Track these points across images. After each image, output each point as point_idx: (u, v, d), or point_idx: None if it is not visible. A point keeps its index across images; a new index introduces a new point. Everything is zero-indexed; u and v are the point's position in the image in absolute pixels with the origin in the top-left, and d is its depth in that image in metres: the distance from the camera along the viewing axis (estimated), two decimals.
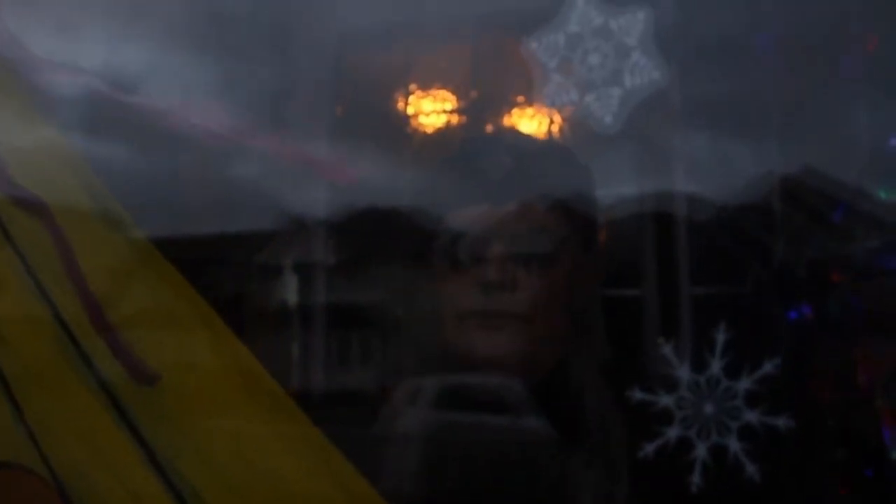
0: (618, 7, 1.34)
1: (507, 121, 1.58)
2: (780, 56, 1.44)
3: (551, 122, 1.43)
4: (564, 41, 1.34)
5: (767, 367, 1.19)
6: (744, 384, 1.20)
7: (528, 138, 1.60)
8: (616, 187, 1.51)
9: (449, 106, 1.64)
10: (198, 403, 1.44)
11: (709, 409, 1.21)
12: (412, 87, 1.67)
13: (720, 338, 1.20)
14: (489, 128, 1.65)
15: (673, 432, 1.21)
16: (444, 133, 1.67)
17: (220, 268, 1.65)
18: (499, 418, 1.46)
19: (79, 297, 1.47)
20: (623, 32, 1.31)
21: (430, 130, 1.68)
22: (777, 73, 1.44)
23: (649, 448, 1.23)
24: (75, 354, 1.48)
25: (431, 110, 1.66)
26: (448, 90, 1.66)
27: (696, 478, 1.21)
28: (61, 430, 1.50)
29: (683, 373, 1.21)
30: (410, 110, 1.67)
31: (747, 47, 1.44)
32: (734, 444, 1.21)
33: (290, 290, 1.68)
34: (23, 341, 1.56)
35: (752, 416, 1.19)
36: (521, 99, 1.51)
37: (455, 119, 1.66)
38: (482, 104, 1.64)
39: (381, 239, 1.63)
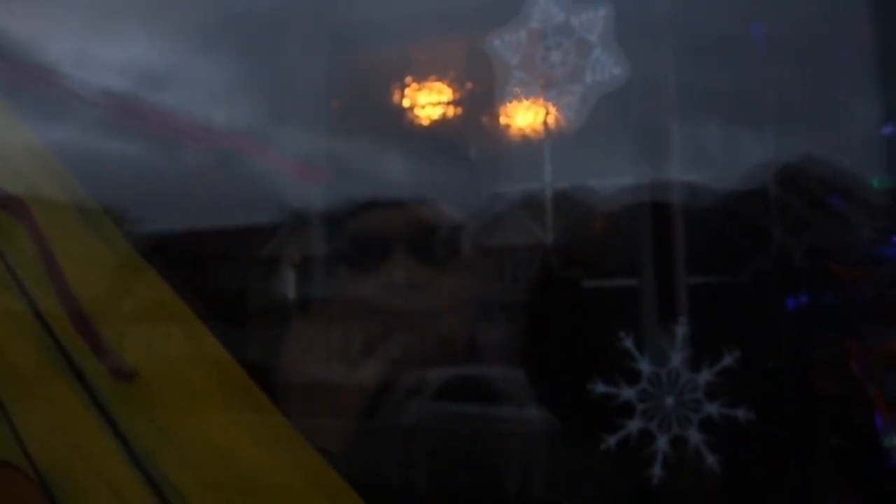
0: (580, 4, 1.29)
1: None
2: (776, 45, 1.38)
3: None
4: (526, 38, 1.30)
5: (727, 360, 1.13)
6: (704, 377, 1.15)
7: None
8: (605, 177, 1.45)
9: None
10: (174, 398, 1.40)
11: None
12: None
13: (680, 330, 1.14)
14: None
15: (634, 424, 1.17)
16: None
17: (196, 264, 1.59)
18: (463, 408, 1.42)
19: (58, 295, 1.43)
20: (584, 29, 1.27)
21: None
22: (773, 62, 1.38)
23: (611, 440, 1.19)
24: (56, 352, 1.44)
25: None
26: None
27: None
28: (43, 428, 1.47)
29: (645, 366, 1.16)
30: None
31: (742, 36, 1.38)
32: (695, 436, 1.16)
33: (263, 286, 1.61)
34: (4, 340, 1.52)
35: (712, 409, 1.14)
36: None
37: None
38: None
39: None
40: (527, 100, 1.28)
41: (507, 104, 1.32)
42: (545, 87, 1.27)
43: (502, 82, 1.31)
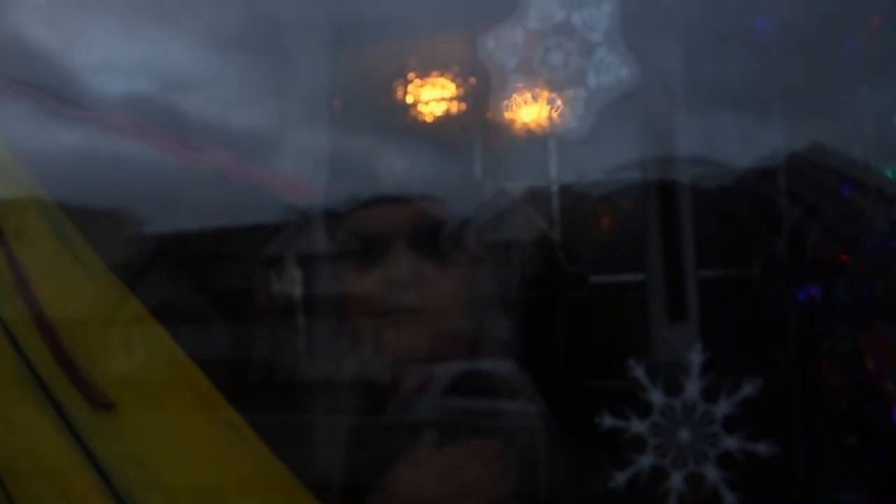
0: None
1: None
2: (785, 34, 1.22)
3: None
4: (523, 39, 1.07)
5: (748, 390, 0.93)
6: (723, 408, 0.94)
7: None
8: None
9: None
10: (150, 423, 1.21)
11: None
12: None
13: (696, 358, 0.94)
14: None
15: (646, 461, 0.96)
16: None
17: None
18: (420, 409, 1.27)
19: (33, 319, 1.23)
20: (587, 27, 1.04)
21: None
22: (782, 52, 1.23)
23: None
24: (31, 379, 1.24)
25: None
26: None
27: None
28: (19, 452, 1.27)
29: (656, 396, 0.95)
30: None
31: (749, 26, 1.22)
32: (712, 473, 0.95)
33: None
34: None
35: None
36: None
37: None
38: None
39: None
40: (525, 106, 1.06)
41: (505, 110, 1.10)
42: (545, 93, 1.05)
43: (498, 88, 1.09)
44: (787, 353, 1.23)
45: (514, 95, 1.08)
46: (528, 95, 1.08)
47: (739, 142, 1.26)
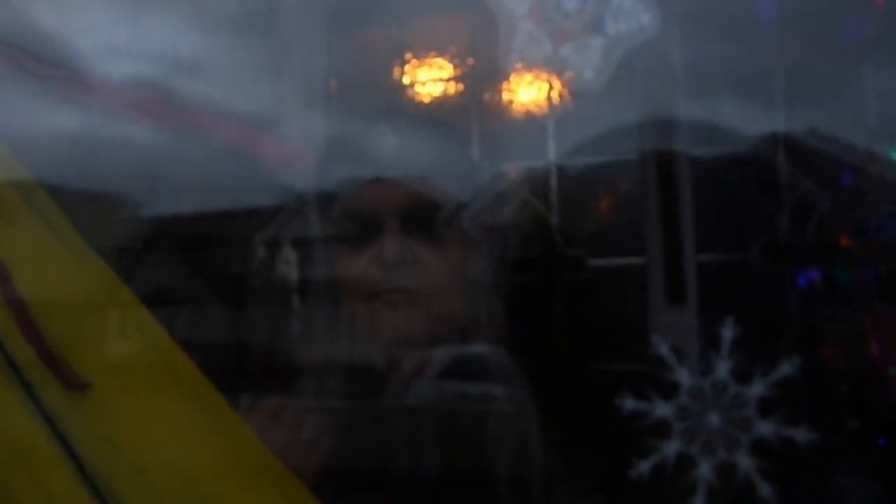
0: None
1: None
2: (787, 14, 1.15)
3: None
4: None
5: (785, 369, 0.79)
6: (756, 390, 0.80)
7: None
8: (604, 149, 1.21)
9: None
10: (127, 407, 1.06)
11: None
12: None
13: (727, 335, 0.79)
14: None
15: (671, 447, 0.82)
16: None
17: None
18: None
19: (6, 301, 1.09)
20: None
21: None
22: (783, 33, 1.15)
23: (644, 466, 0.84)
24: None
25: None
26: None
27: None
28: None
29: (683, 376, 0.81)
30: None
31: (750, 7, 1.15)
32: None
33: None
34: None
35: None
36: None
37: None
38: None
39: None
40: (537, 57, 0.91)
41: (514, 63, 0.96)
42: (558, 42, 0.91)
43: (507, 37, 0.95)
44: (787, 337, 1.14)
45: (524, 42, 0.94)
46: (540, 43, 0.93)
47: (741, 123, 1.18)
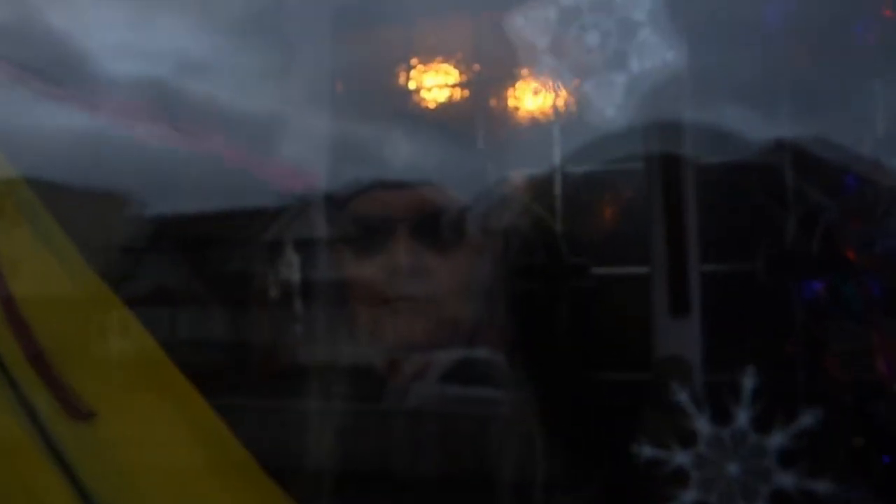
0: None
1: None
2: (793, 23, 1.10)
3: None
4: (557, 16, 0.89)
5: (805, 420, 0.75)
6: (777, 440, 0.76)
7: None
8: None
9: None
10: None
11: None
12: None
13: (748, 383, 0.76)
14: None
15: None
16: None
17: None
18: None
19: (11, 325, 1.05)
20: (629, 5, 0.85)
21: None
22: (789, 41, 1.12)
23: None
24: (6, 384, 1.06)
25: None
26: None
27: None
28: None
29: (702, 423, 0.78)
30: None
31: (756, 16, 1.10)
32: None
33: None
34: None
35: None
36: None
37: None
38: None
39: None
40: (557, 91, 0.87)
41: (535, 95, 0.92)
42: (580, 77, 0.86)
43: (528, 70, 0.91)
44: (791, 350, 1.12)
45: (544, 78, 0.90)
46: (561, 78, 0.89)
47: (747, 134, 1.14)
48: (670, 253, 1.18)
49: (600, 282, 1.30)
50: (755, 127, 1.14)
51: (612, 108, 0.85)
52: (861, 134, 1.11)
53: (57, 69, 1.23)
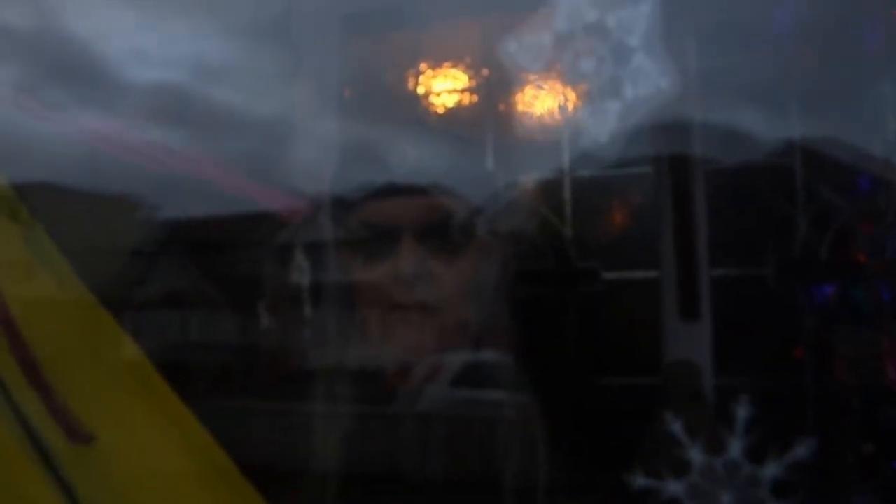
0: None
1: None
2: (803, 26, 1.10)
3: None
4: (550, 41, 0.88)
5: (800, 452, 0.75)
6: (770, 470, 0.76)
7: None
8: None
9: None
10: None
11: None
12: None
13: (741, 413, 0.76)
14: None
15: None
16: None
17: None
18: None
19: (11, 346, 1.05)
20: (623, 30, 0.84)
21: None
22: (799, 44, 1.12)
23: None
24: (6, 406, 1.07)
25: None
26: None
27: None
28: None
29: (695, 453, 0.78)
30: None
31: (766, 18, 1.10)
32: None
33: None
34: None
35: None
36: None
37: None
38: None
39: None
40: (549, 118, 0.87)
41: (526, 122, 0.92)
42: (573, 104, 0.86)
43: (519, 95, 0.90)
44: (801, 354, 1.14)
45: (536, 103, 0.90)
46: (554, 104, 0.89)
47: (757, 136, 1.13)
48: (680, 257, 1.17)
49: (609, 286, 1.30)
50: (766, 129, 1.14)
51: (606, 136, 0.84)
52: (872, 136, 1.11)
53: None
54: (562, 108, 0.87)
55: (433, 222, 1.19)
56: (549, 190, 1.32)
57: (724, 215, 1.14)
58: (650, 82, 0.85)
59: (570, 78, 0.87)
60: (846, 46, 1.12)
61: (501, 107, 1.25)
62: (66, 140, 1.20)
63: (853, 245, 1.17)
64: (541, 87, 0.85)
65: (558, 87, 0.92)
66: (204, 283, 1.37)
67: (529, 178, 1.32)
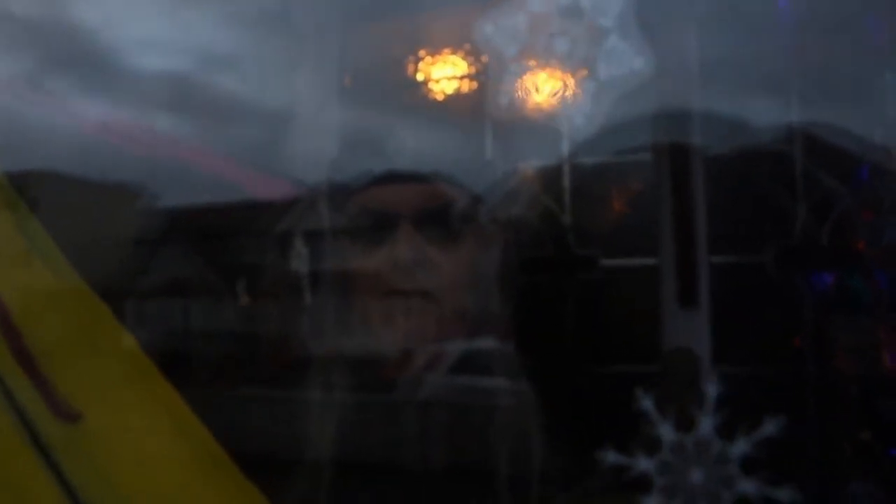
0: None
1: None
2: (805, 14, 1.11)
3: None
4: (526, 23, 0.88)
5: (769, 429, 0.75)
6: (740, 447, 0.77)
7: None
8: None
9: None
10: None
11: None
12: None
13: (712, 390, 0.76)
14: None
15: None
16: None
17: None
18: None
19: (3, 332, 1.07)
20: (597, 12, 0.84)
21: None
22: (801, 32, 1.11)
23: None
24: None
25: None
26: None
27: None
28: None
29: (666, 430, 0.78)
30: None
31: (769, 6, 1.11)
32: None
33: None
34: None
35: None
36: None
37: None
38: None
39: None
40: (526, 99, 0.87)
41: (504, 101, 0.92)
42: (548, 86, 0.86)
43: (497, 77, 0.91)
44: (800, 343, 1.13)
45: (513, 86, 0.90)
46: (530, 86, 0.89)
47: (757, 123, 1.14)
48: (679, 244, 1.17)
49: (608, 273, 1.30)
50: (766, 116, 1.15)
51: (581, 116, 0.85)
52: (872, 123, 1.11)
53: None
54: (553, 93, 0.87)
55: (432, 209, 1.20)
56: (548, 177, 1.32)
57: (723, 203, 1.14)
58: (624, 63, 0.85)
59: (545, 58, 0.88)
60: (847, 33, 1.12)
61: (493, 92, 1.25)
62: (64, 129, 1.21)
63: (853, 233, 1.16)
64: (523, 71, 0.85)
65: (548, 70, 0.92)
66: (204, 271, 1.38)
67: (528, 165, 1.32)
